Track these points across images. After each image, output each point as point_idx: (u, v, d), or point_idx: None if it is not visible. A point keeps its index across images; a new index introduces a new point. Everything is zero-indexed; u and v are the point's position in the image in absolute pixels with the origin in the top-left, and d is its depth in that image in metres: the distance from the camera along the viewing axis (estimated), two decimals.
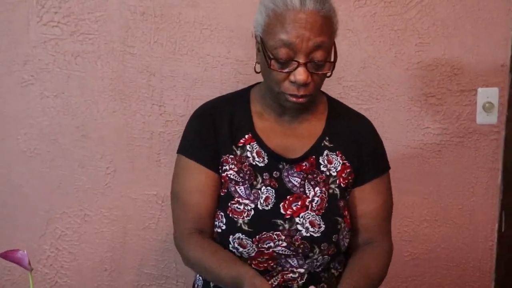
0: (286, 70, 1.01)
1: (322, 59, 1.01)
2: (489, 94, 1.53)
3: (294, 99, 1.03)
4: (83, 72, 1.48)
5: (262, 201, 1.08)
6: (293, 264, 1.09)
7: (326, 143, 1.12)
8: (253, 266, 1.08)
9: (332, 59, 1.05)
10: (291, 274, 1.09)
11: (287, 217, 1.08)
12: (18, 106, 1.50)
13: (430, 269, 1.63)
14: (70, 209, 1.55)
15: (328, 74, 1.05)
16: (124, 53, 1.47)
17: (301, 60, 1.00)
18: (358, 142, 1.13)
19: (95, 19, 1.45)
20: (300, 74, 1.00)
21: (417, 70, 1.53)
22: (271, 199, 1.08)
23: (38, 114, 1.50)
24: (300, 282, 1.10)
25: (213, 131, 1.11)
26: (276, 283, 1.09)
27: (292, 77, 1.01)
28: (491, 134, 1.57)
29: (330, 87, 1.38)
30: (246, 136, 1.11)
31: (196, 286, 1.23)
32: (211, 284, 1.15)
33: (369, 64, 1.52)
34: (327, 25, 1.01)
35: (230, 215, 1.08)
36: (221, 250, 1.07)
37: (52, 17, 1.45)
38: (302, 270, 1.09)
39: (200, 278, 1.20)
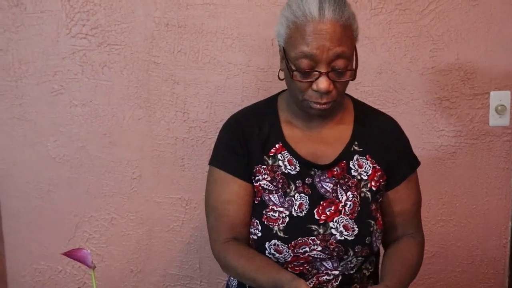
0: (308, 80, 1.12)
1: (343, 67, 1.11)
2: (501, 97, 1.72)
3: (318, 106, 1.14)
4: (110, 82, 1.68)
5: (296, 208, 1.19)
6: (328, 266, 1.21)
7: (356, 148, 1.23)
8: (289, 269, 1.19)
9: (354, 66, 1.14)
10: (326, 277, 1.21)
11: (321, 222, 1.19)
12: (48, 115, 1.70)
13: (445, 266, 1.83)
14: (97, 213, 1.76)
15: (351, 79, 1.15)
16: (149, 62, 1.67)
17: (323, 70, 1.10)
18: (386, 144, 1.24)
19: (121, 30, 1.65)
20: (322, 83, 1.10)
21: (431, 75, 1.71)
22: (305, 206, 1.20)
23: (67, 122, 1.70)
24: (334, 284, 1.22)
25: (244, 142, 1.22)
26: (311, 286, 1.21)
27: (314, 86, 1.12)
28: (504, 136, 1.76)
29: (348, 92, 1.57)
30: (277, 145, 1.22)
31: (230, 287, 1.36)
32: (247, 286, 1.27)
33: (385, 69, 1.70)
34: (347, 33, 1.11)
35: (266, 223, 1.19)
36: (258, 255, 1.18)
37: (80, 29, 1.64)
38: (336, 272, 1.21)
39: (235, 279, 1.32)
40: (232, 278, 1.35)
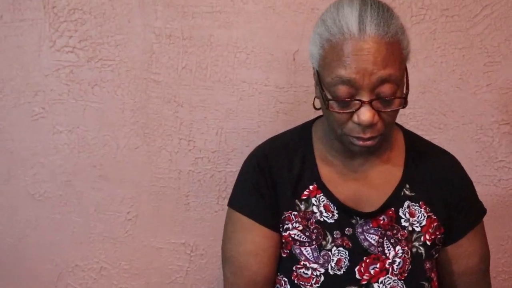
0: (347, 111, 1.01)
1: (391, 94, 1.00)
2: None
3: (360, 142, 1.03)
4: (101, 103, 1.56)
5: (333, 264, 1.10)
6: None
7: (407, 192, 1.13)
8: None
9: (404, 91, 1.04)
10: None
11: (364, 282, 1.09)
12: (27, 143, 1.58)
13: None
14: (84, 261, 1.62)
15: (401, 107, 1.04)
16: (147, 81, 1.55)
17: (365, 99, 1.00)
18: (444, 188, 1.14)
19: (115, 43, 1.54)
20: (364, 115, 0.99)
21: (486, 94, 1.58)
22: (344, 262, 1.10)
23: (49, 151, 1.58)
24: None
25: (272, 182, 1.13)
26: None
27: (355, 118, 1.01)
28: None
29: None
30: (311, 187, 1.13)
31: None
32: None
33: (430, 88, 1.57)
34: (394, 52, 0.99)
35: (296, 282, 1.10)
36: None
37: (66, 41, 1.53)
38: None
39: None
40: None
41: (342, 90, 1.00)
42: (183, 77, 1.56)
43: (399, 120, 1.51)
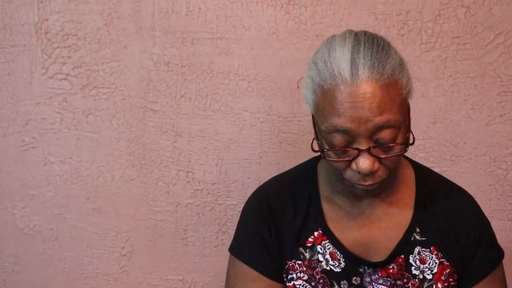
0: (346, 159, 1.00)
1: (390, 140, 0.97)
2: None
3: (363, 188, 1.02)
4: (96, 133, 1.55)
5: None
6: None
7: (417, 237, 1.10)
8: None
9: (405, 134, 1.00)
10: None
11: None
12: (16, 174, 1.57)
13: None
14: None
15: (403, 152, 1.01)
16: (144, 109, 1.55)
17: (362, 147, 0.97)
18: (458, 231, 1.11)
19: (110, 70, 1.53)
20: (362, 164, 0.97)
21: (500, 125, 1.57)
22: None
23: (40, 183, 1.57)
24: None
25: (274, 228, 1.11)
26: None
27: (354, 166, 0.99)
28: None
29: None
30: (316, 234, 1.11)
31: None
32: None
33: (441, 118, 1.57)
34: (391, 95, 0.96)
35: None
36: None
37: (59, 68, 1.53)
38: None
39: None
40: None
41: (338, 138, 0.98)
42: (182, 106, 1.55)
43: (408, 153, 1.50)
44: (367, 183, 1.00)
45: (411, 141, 1.03)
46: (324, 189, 1.13)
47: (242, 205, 1.25)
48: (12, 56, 1.53)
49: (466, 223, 1.12)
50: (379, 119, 0.95)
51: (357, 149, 0.97)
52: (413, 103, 1.55)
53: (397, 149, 0.99)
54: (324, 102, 0.98)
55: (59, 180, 1.57)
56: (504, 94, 1.57)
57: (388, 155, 0.99)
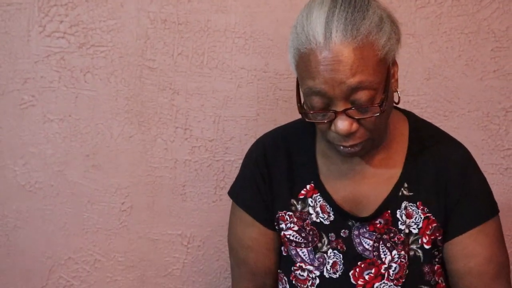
0: (326, 120, 1.05)
1: (367, 101, 1.02)
2: None
3: (345, 150, 1.07)
4: (94, 91, 1.63)
5: (328, 267, 1.16)
6: None
7: (405, 192, 1.15)
8: None
9: (382, 95, 1.04)
10: None
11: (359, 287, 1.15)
12: (16, 132, 1.64)
13: None
14: (77, 254, 1.69)
15: (380, 112, 1.03)
16: (142, 67, 1.62)
17: (338, 109, 1.03)
18: (446, 184, 1.14)
19: (107, 28, 1.59)
20: (339, 125, 1.03)
21: (493, 80, 1.65)
22: (339, 265, 1.15)
23: (40, 140, 1.64)
24: None
25: (269, 178, 1.19)
26: None
27: (333, 128, 1.05)
28: None
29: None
30: (308, 187, 1.18)
31: None
32: None
33: (435, 74, 1.64)
34: (365, 57, 1.00)
35: (294, 282, 1.18)
36: None
37: (57, 26, 1.59)
38: None
39: None
40: None
41: (316, 100, 1.04)
42: (179, 64, 1.62)
43: (403, 107, 1.58)
44: (348, 144, 1.06)
45: (396, 101, 1.10)
46: (320, 144, 1.19)
47: (240, 161, 1.34)
48: (8, 15, 1.58)
49: (457, 175, 1.15)
50: (352, 81, 1.00)
51: (333, 111, 1.03)
52: (408, 60, 1.64)
53: (374, 110, 1.03)
54: (301, 65, 1.04)
55: (58, 138, 1.65)
56: (498, 49, 1.64)
57: (365, 116, 1.04)
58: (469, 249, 1.14)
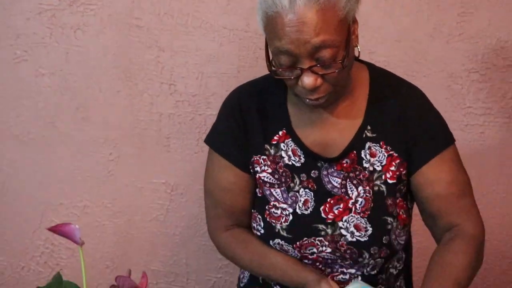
0: (293, 77, 1.16)
1: (329, 58, 1.12)
2: None
3: (311, 103, 1.19)
4: (83, 47, 1.72)
5: (300, 204, 1.26)
6: (343, 265, 1.28)
7: (368, 134, 1.26)
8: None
9: (344, 52, 1.14)
10: (341, 276, 1.29)
11: (329, 221, 1.25)
12: (9, 85, 1.73)
13: None
14: (68, 200, 1.81)
15: (341, 68, 1.14)
16: (130, 26, 1.71)
17: (304, 66, 1.13)
18: (405, 122, 1.25)
19: None
20: (305, 81, 1.14)
21: (458, 43, 1.77)
22: (311, 202, 1.26)
23: (32, 94, 1.74)
24: None
25: (243, 126, 1.29)
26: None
27: (300, 83, 1.16)
28: None
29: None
30: (280, 133, 1.28)
31: (241, 277, 1.45)
32: (260, 279, 1.37)
33: (404, 37, 1.75)
34: (327, 18, 1.10)
35: (268, 220, 1.27)
36: (271, 251, 1.28)
37: None
38: (353, 271, 1.28)
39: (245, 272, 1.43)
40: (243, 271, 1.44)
41: (283, 59, 1.14)
42: (165, 22, 1.71)
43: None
44: (313, 97, 1.17)
45: (356, 54, 1.21)
46: (290, 95, 1.29)
47: None
48: None
49: (413, 112, 1.26)
50: (316, 40, 1.10)
51: (300, 68, 1.14)
52: (378, 23, 1.75)
53: (337, 66, 1.14)
54: (269, 27, 1.15)
55: (49, 91, 1.74)
56: (464, 14, 1.75)
57: (329, 72, 1.14)
58: (433, 176, 1.25)
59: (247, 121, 1.30)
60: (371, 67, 1.33)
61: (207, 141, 1.37)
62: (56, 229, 0.92)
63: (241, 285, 1.44)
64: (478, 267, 1.24)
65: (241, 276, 1.45)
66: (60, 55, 1.72)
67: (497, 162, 1.85)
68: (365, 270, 1.28)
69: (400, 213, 1.27)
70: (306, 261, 1.28)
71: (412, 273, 1.43)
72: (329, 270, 1.29)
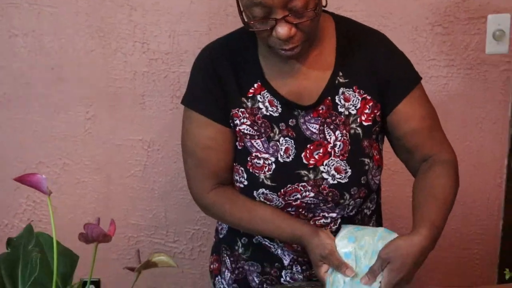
0: (267, 28, 1.18)
1: (302, 7, 1.15)
2: (500, 21, 1.84)
3: (286, 53, 1.21)
4: (55, 8, 1.74)
5: (282, 153, 1.29)
6: (324, 209, 1.32)
7: (341, 80, 1.30)
8: None
9: (315, 2, 1.17)
10: (323, 220, 1.33)
11: (311, 166, 1.29)
12: None
13: None
14: (47, 158, 1.86)
15: (313, 17, 1.17)
16: None
17: (278, 16, 1.16)
18: (375, 67, 1.30)
19: None
20: (280, 31, 1.16)
21: None
22: (291, 150, 1.29)
23: (6, 54, 1.77)
24: (333, 228, 1.33)
25: (218, 80, 1.30)
26: None
27: (274, 34, 1.18)
28: (502, 65, 1.90)
29: None
30: (255, 85, 1.30)
31: (220, 229, 1.48)
32: (240, 230, 1.40)
33: None
34: None
35: (251, 170, 1.29)
36: (259, 206, 1.30)
37: None
38: (334, 215, 1.32)
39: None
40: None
41: (256, 11, 1.16)
42: None
43: None
44: (288, 47, 1.20)
45: (324, 4, 1.24)
46: (261, 48, 1.31)
47: None
48: None
49: (380, 56, 1.32)
50: None
51: (274, 19, 1.17)
52: None
53: (309, 14, 1.18)
54: None
55: (24, 52, 1.77)
56: None
57: (302, 20, 1.18)
58: (408, 113, 1.32)
59: (222, 75, 1.32)
60: (335, 16, 1.37)
61: (184, 102, 1.36)
62: (23, 179, 0.91)
63: (220, 236, 1.49)
64: (457, 188, 1.31)
65: (219, 228, 1.49)
66: (31, 16, 1.74)
67: (460, 112, 1.93)
68: (345, 213, 1.33)
69: (375, 154, 1.32)
70: (289, 209, 1.31)
71: (382, 212, 1.50)
72: (311, 215, 1.33)
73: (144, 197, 1.92)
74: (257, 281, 1.42)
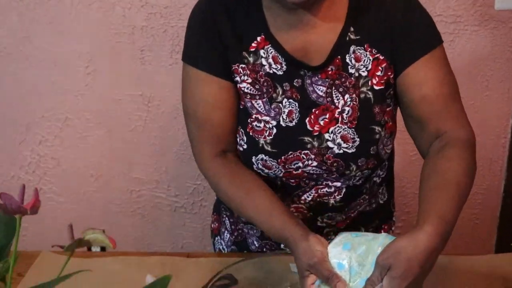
0: None
1: None
2: None
3: (292, 0, 1.08)
4: None
5: (284, 116, 1.16)
6: (328, 178, 1.20)
7: (352, 36, 1.16)
8: (283, 182, 1.21)
9: None
10: (326, 189, 1.21)
11: (315, 133, 1.16)
12: None
13: None
14: (49, 112, 1.88)
15: None
16: None
17: None
18: (390, 21, 1.15)
19: None
20: None
21: None
22: (295, 114, 1.16)
23: (4, 9, 1.76)
24: (337, 197, 1.22)
25: (218, 33, 1.16)
26: (310, 198, 1.21)
27: None
28: (511, 22, 1.83)
29: None
30: (259, 38, 1.16)
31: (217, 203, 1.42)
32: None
33: None
34: None
35: (251, 134, 1.17)
36: (259, 189, 1.16)
37: None
38: (338, 184, 1.21)
39: None
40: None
41: None
42: None
43: None
44: None
45: None
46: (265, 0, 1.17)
47: None
48: None
49: (401, 11, 1.15)
50: None
51: None
52: None
53: None
54: None
55: (21, 6, 1.76)
56: None
57: None
58: (421, 76, 1.15)
59: (221, 27, 1.17)
60: None
61: (185, 58, 1.22)
62: None
63: None
64: (475, 173, 1.12)
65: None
66: None
67: (466, 70, 1.88)
68: (351, 182, 1.22)
69: (388, 121, 1.19)
70: (290, 178, 1.21)
71: (394, 179, 1.40)
72: (313, 183, 1.22)
73: (145, 152, 1.93)
74: (256, 245, 1.34)
